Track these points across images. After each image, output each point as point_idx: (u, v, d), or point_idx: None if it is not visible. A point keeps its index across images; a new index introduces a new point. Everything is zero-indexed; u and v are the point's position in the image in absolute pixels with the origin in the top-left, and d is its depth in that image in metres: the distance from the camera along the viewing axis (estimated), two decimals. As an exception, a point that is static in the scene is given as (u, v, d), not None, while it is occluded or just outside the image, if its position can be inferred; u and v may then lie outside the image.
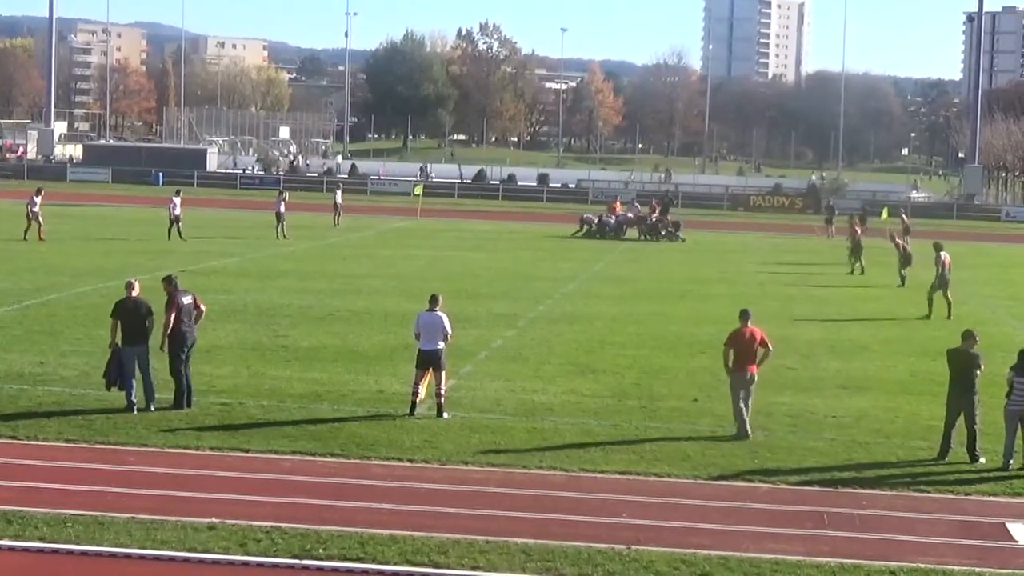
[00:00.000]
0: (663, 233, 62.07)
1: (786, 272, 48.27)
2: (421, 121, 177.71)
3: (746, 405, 20.32)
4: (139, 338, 20.63)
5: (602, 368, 26.06)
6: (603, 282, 42.55)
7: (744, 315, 20.88)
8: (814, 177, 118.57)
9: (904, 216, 60.43)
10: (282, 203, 54.88)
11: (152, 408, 20.52)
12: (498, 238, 60.46)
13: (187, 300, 21.11)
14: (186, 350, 20.89)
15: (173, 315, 20.75)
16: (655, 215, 63.85)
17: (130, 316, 20.65)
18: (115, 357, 20.53)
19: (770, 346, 20.84)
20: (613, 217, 63.91)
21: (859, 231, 49.24)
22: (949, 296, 35.95)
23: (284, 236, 53.49)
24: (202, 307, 21.57)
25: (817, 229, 71.09)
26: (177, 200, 51.83)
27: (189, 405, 20.73)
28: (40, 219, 48.96)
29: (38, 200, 49.56)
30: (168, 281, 21.32)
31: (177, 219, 51.32)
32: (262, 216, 60.44)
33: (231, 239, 53.42)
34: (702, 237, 63.46)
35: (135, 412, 20.33)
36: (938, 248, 37.03)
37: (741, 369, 20.44)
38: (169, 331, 20.74)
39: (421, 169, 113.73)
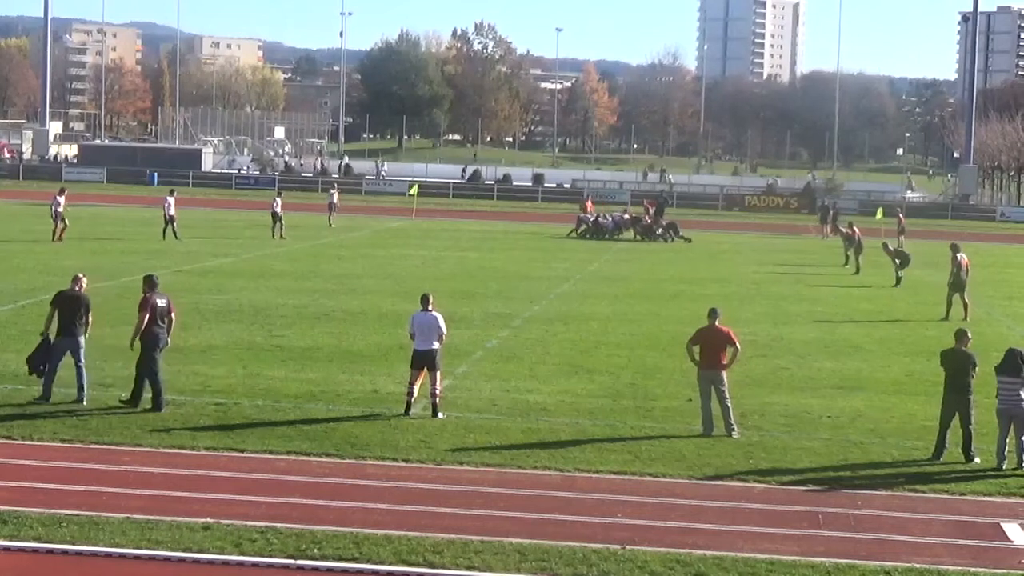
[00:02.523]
0: (658, 233, 62.06)
1: (781, 272, 48.34)
2: (416, 121, 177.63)
3: (723, 405, 20.41)
4: (73, 330, 20.79)
5: (597, 368, 26.07)
6: (598, 282, 42.56)
7: (712, 313, 21.06)
8: (810, 177, 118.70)
9: (900, 216, 60.63)
10: (278, 204, 54.99)
11: (84, 401, 20.66)
12: (493, 238, 60.45)
13: (162, 302, 20.95)
14: (157, 352, 20.75)
15: (146, 316, 20.66)
16: (648, 216, 63.82)
17: (68, 307, 20.84)
18: (43, 345, 20.75)
19: (738, 345, 20.95)
20: (594, 217, 63.91)
21: (856, 231, 49.42)
22: (966, 298, 35.80)
23: (281, 236, 53.50)
24: (173, 315, 21.23)
25: (813, 229, 71.32)
26: (171, 200, 51.80)
27: (160, 408, 20.54)
28: (57, 220, 49.05)
29: (62, 200, 49.72)
30: (147, 281, 21.26)
31: (172, 219, 51.31)
32: (257, 216, 60.43)
33: (226, 239, 53.41)
34: (697, 237, 63.45)
35: (48, 402, 20.56)
36: (955, 249, 36.77)
37: (708, 367, 20.61)
38: (141, 332, 20.69)
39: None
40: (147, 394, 20.74)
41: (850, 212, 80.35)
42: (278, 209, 54.56)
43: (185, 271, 40.47)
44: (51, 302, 21.17)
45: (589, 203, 67.98)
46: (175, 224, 51.21)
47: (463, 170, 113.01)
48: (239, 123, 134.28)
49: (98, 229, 54.83)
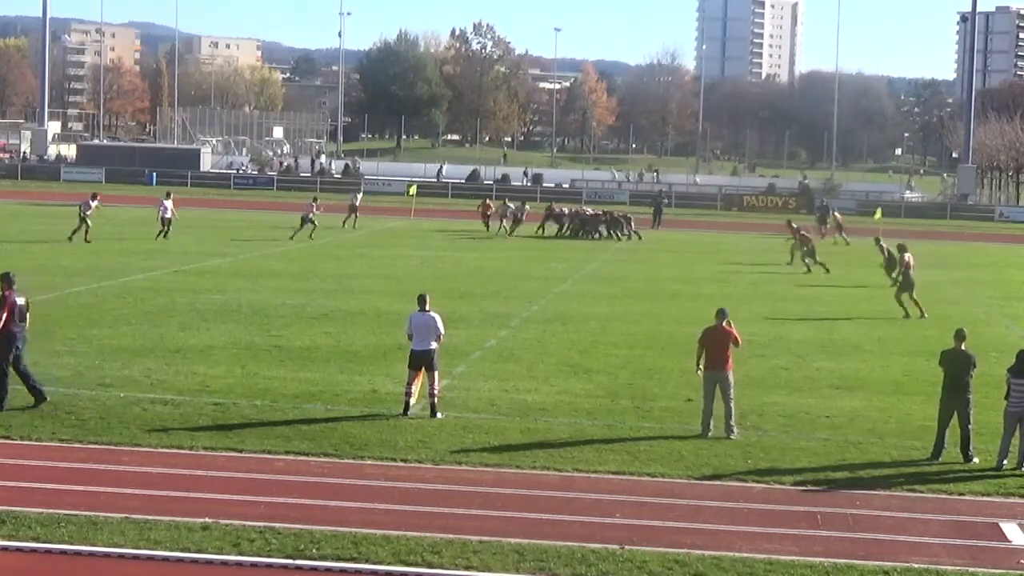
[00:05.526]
0: (597, 232, 61.95)
1: (779, 272, 48.31)
2: (415, 121, 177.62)
3: (727, 406, 20.42)
4: None
5: (595, 368, 26.07)
6: (596, 282, 42.56)
7: (720, 314, 21.06)
8: (802, 177, 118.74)
9: (837, 215, 61.04)
10: (313, 207, 55.22)
11: None
12: (491, 238, 60.38)
13: (20, 301, 20.87)
14: (17, 350, 20.60)
15: (6, 315, 20.54)
16: (590, 213, 64.23)
17: None
18: None
19: (739, 341, 21.03)
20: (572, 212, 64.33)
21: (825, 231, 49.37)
22: (915, 297, 35.90)
23: (311, 238, 53.62)
24: (28, 315, 21.07)
25: (811, 229, 71.27)
26: (168, 204, 51.85)
27: (44, 399, 20.46)
28: (89, 222, 49.06)
29: (94, 204, 49.86)
30: (3, 278, 21.06)
31: (167, 220, 51.34)
32: (256, 216, 60.34)
33: (224, 239, 53.38)
34: (695, 237, 63.44)
35: None
36: (902, 250, 37.13)
37: (713, 368, 20.59)
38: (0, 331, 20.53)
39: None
40: (18, 386, 20.52)
41: (848, 212, 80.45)
42: (314, 212, 54.68)
43: (183, 271, 40.47)
44: None
45: (490, 203, 67.60)
46: (170, 225, 51.22)
47: (525, 171, 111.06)
48: (237, 123, 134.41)
49: (96, 229, 54.72)
